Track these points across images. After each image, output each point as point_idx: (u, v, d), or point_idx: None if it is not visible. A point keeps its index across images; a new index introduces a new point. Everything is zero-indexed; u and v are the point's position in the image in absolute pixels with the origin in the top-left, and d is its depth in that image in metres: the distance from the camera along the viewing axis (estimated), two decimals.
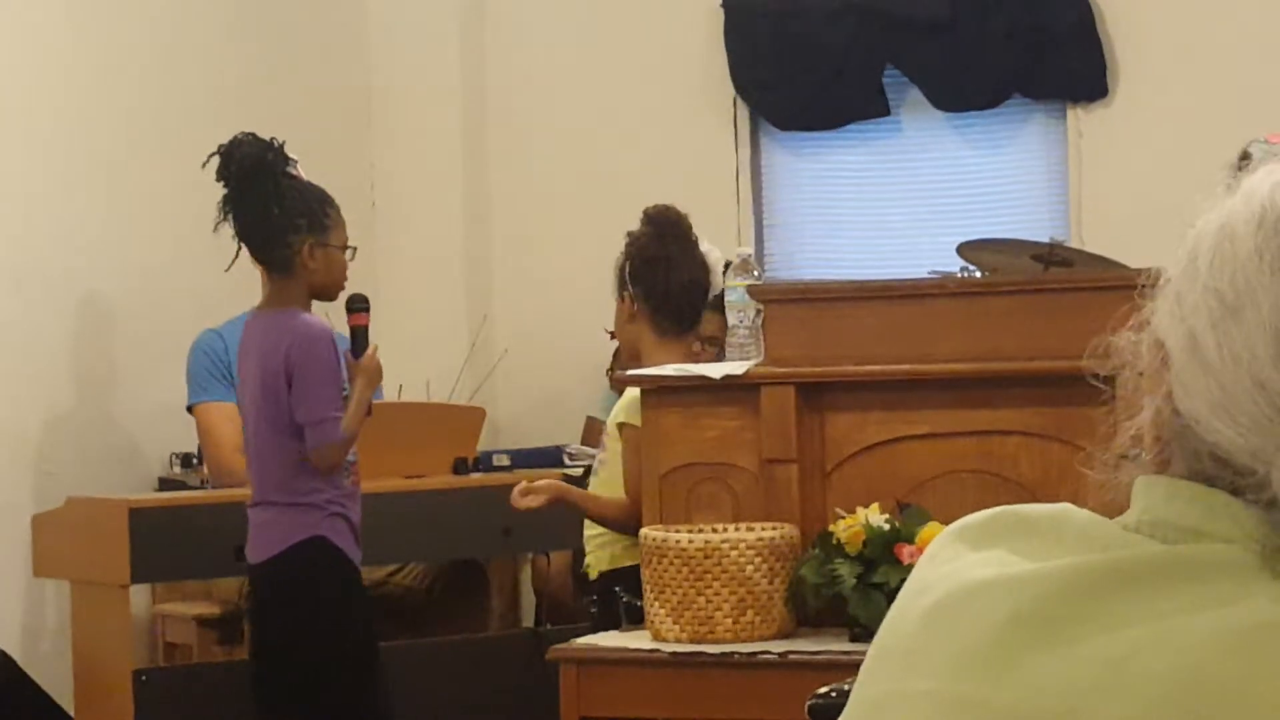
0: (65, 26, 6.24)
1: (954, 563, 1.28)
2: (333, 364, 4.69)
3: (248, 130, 4.79)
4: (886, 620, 1.30)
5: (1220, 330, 1.20)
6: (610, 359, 6.39)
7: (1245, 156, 4.48)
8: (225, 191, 4.73)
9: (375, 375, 4.82)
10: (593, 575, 4.86)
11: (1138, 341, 1.26)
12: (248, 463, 4.85)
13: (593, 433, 6.32)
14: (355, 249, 4.86)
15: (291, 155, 4.76)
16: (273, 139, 4.74)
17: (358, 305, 4.89)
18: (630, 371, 4.60)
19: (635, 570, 4.45)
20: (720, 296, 4.77)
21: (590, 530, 4.85)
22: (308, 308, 4.78)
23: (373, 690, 4.78)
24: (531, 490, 4.60)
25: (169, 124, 6.42)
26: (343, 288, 4.84)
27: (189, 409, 5.94)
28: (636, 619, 4.26)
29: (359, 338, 4.86)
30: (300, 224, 4.72)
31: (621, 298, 4.89)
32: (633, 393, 4.60)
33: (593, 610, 4.76)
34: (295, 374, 4.65)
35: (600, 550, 4.82)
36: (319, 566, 4.68)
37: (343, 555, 4.70)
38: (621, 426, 4.70)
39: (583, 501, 4.76)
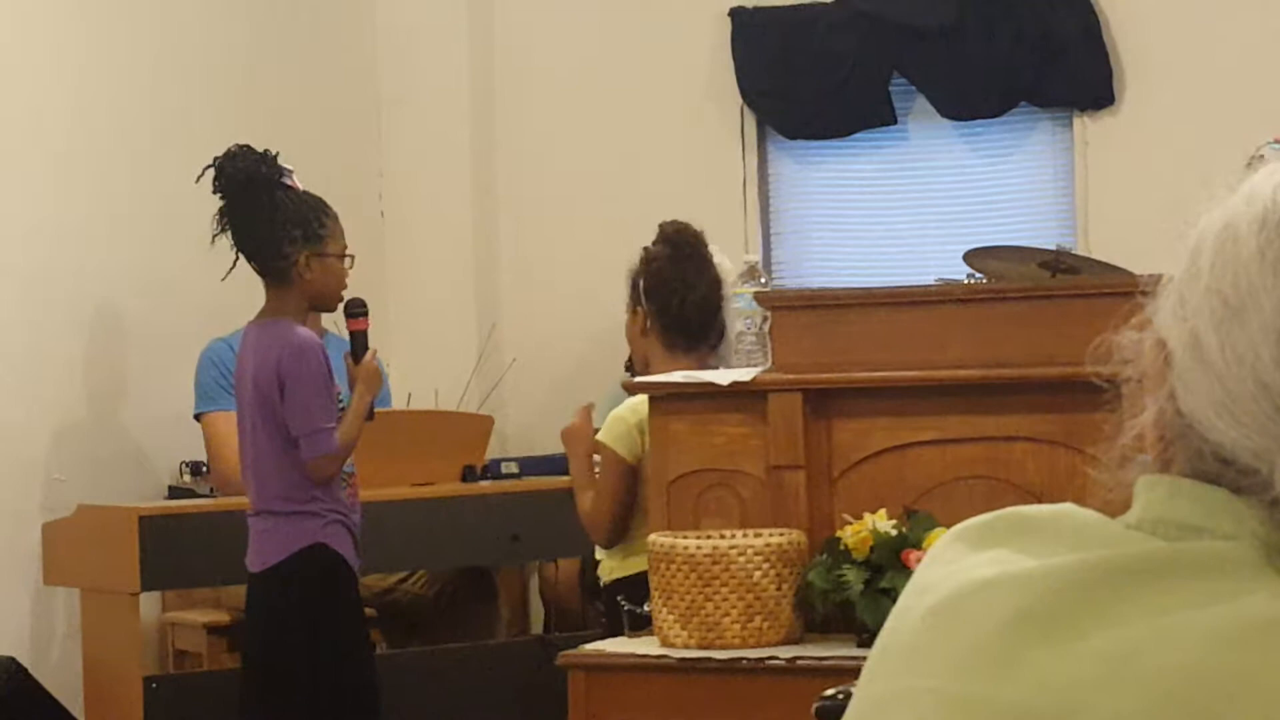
0: (76, 36, 6.25)
1: (956, 563, 1.27)
2: (323, 374, 4.67)
3: (260, 139, 4.79)
4: (889, 620, 1.29)
5: (1223, 331, 1.19)
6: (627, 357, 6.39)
7: (1259, 158, 4.48)
8: (220, 205, 4.73)
9: (374, 380, 4.80)
10: (602, 584, 4.88)
11: (1140, 340, 1.25)
12: (243, 472, 4.83)
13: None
14: (354, 257, 4.85)
15: (287, 165, 4.75)
16: (266, 150, 4.73)
17: (357, 310, 4.88)
18: (639, 379, 4.61)
19: (636, 578, 4.47)
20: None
21: None
22: (304, 318, 4.77)
23: (366, 696, 4.78)
24: (587, 420, 4.84)
25: (179, 133, 6.42)
26: (341, 297, 4.82)
27: (196, 417, 5.95)
28: (638, 626, 4.27)
29: (358, 342, 4.84)
30: (295, 235, 4.70)
31: (634, 311, 4.89)
32: (617, 413, 4.65)
33: (603, 619, 4.79)
34: (286, 386, 4.64)
35: (604, 560, 4.84)
36: (322, 573, 4.67)
37: (344, 562, 4.70)
38: (600, 445, 4.74)
39: (580, 468, 4.80)
